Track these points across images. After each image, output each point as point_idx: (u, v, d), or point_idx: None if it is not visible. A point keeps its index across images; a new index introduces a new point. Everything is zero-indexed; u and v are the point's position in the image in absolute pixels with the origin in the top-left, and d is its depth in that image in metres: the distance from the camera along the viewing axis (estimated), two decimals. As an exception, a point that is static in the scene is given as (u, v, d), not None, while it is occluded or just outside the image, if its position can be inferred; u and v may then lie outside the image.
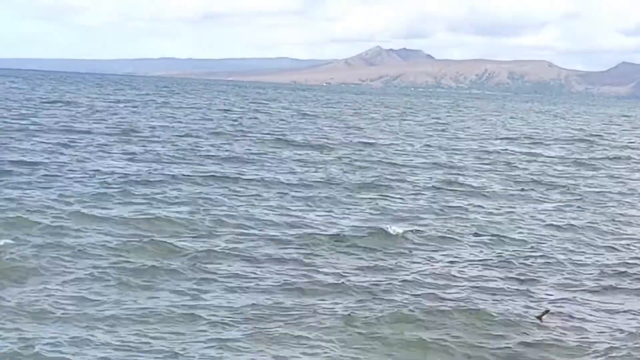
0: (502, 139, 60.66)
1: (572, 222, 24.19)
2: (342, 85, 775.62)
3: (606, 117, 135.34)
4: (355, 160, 38.32)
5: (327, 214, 23.63)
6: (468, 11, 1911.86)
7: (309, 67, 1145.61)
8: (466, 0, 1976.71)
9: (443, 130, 67.02)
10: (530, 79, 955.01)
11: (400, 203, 26.21)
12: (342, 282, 16.13)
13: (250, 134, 50.01)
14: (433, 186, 30.49)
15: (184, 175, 29.33)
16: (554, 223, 23.85)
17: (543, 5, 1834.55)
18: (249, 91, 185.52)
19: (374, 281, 16.42)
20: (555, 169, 39.72)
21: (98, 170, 29.56)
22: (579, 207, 27.32)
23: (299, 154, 39.53)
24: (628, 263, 19.24)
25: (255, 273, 16.59)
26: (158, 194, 25.00)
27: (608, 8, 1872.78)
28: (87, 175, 28.12)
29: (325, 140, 49.09)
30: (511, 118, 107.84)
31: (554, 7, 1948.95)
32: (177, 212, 22.18)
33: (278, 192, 26.74)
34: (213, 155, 36.91)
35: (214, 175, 29.48)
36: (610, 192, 31.80)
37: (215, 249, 18.29)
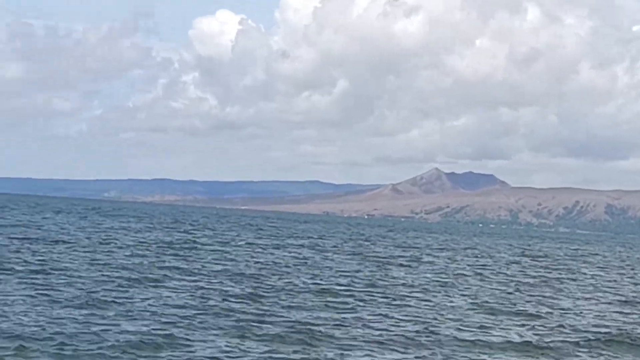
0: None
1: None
2: (387, 218, 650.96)
3: None
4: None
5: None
6: (556, 124, 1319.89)
7: (345, 193, 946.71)
8: (554, 109, 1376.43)
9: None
10: (636, 214, 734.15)
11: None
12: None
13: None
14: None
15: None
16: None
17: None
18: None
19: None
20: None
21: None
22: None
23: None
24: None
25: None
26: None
27: None
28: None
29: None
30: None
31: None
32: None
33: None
34: None
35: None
36: None
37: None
